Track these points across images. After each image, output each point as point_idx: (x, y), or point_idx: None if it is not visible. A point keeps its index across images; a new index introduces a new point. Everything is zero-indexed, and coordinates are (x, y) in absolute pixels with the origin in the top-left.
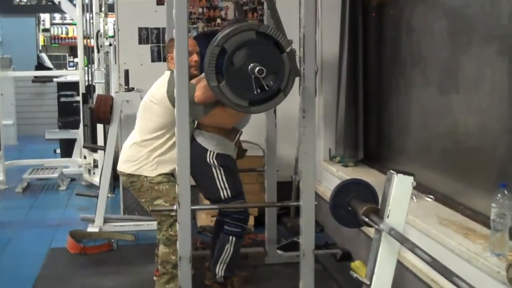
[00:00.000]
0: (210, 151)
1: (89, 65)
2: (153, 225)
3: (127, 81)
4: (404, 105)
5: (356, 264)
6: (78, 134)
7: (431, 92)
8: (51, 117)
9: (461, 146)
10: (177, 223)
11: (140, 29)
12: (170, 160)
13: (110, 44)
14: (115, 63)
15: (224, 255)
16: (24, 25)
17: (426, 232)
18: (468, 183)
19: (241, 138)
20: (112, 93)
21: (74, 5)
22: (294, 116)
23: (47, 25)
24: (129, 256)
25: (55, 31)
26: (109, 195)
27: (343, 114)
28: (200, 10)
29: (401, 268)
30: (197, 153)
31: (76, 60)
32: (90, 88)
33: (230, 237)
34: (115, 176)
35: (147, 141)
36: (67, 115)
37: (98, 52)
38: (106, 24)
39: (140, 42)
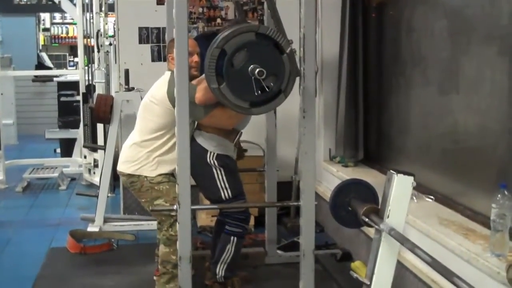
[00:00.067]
0: (210, 152)
1: (89, 65)
2: (153, 225)
3: (127, 81)
4: (404, 105)
5: (356, 264)
6: (78, 133)
7: (431, 92)
8: (51, 116)
9: (461, 146)
10: (177, 223)
11: (140, 28)
12: (170, 161)
13: (110, 44)
14: (115, 62)
15: (225, 255)
16: (24, 25)
17: (426, 233)
18: (468, 184)
19: (241, 138)
20: (112, 93)
21: (74, 5)
22: (294, 116)
23: (47, 25)
24: (129, 256)
25: (55, 30)
26: (109, 194)
27: (343, 114)
28: (200, 10)
29: (401, 268)
30: (197, 154)
31: (76, 59)
32: (90, 88)
33: (232, 237)
34: (115, 175)
35: (147, 141)
36: (67, 114)
37: (98, 51)
38: (106, 23)
39: (140, 42)
